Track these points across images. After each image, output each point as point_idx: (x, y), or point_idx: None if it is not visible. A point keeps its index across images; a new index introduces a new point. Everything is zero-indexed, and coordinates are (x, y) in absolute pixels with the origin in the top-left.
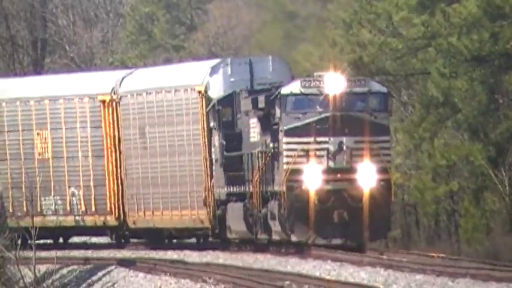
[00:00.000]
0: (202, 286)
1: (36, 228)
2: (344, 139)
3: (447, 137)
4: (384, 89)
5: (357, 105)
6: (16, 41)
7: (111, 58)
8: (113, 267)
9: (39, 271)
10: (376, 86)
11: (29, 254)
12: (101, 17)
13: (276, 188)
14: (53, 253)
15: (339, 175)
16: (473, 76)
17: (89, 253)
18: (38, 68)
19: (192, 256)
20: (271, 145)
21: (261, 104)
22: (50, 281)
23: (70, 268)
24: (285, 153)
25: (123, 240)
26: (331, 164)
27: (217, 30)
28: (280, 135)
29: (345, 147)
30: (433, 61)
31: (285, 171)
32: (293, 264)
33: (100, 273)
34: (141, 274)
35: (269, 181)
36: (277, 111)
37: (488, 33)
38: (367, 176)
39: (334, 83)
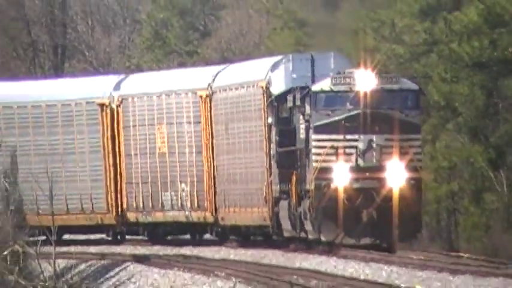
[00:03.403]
0: (214, 280)
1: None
2: (374, 137)
3: (448, 140)
4: (415, 86)
5: (388, 103)
6: (37, 46)
7: (128, 62)
8: (128, 262)
9: (59, 266)
10: (407, 83)
11: (50, 249)
12: (118, 24)
13: (307, 187)
14: (72, 248)
15: (368, 173)
16: (473, 81)
17: (105, 249)
18: (58, 72)
19: (205, 252)
20: (304, 142)
21: (298, 102)
22: (69, 275)
23: (88, 263)
24: (313, 150)
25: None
26: (360, 162)
27: (229, 36)
28: (310, 132)
29: (374, 145)
30: (435, 66)
31: (314, 169)
32: (300, 260)
33: (117, 269)
34: (155, 269)
35: (303, 179)
36: (308, 108)
37: (487, 40)
38: (396, 175)
39: (365, 80)
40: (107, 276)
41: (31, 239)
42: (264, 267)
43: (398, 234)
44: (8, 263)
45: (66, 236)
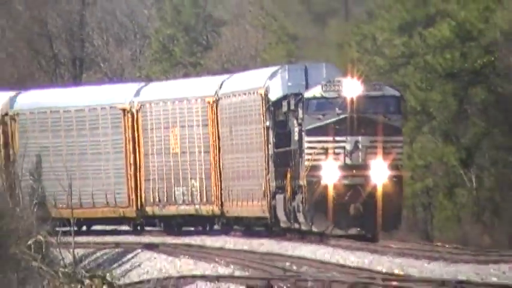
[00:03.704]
0: (215, 266)
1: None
2: (360, 138)
3: (424, 141)
4: (397, 93)
5: (372, 108)
6: (58, 58)
7: (138, 73)
8: (139, 250)
9: (77, 254)
10: (390, 90)
11: (70, 239)
12: (130, 38)
13: (301, 183)
14: (90, 238)
15: (354, 171)
16: (446, 89)
17: (119, 239)
18: (76, 82)
19: (207, 241)
20: (297, 144)
21: (292, 107)
22: (87, 262)
23: (104, 251)
24: (306, 150)
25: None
26: (347, 161)
27: (229, 49)
28: (303, 134)
29: (360, 146)
30: (412, 76)
31: (306, 167)
32: (293, 249)
33: (129, 255)
34: (162, 256)
35: (297, 176)
36: (301, 112)
37: (458, 53)
38: (380, 173)
39: (352, 88)
40: (120, 262)
41: (59, 229)
42: (260, 255)
43: (381, 226)
44: (32, 251)
45: (93, 227)
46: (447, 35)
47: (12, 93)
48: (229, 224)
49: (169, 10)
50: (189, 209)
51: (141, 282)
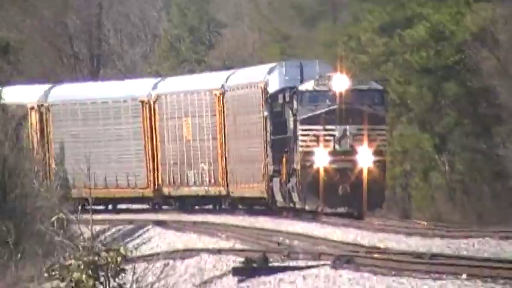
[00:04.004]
0: (217, 240)
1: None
2: (348, 127)
3: (402, 129)
4: (380, 87)
5: (359, 100)
6: (78, 56)
7: (149, 69)
8: (150, 226)
9: (95, 230)
10: (374, 85)
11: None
12: (141, 38)
13: (295, 166)
14: (105, 216)
15: (343, 156)
16: (421, 83)
17: (132, 216)
18: (94, 77)
19: (211, 218)
20: (292, 132)
21: (287, 99)
22: (103, 237)
23: (118, 227)
24: (300, 138)
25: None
26: (337, 147)
27: (229, 48)
28: (297, 123)
29: (348, 134)
30: (392, 72)
31: (300, 153)
32: (286, 225)
33: (141, 231)
34: (171, 231)
35: (291, 161)
36: (295, 104)
37: (433, 51)
38: (365, 158)
39: (341, 82)
40: (133, 237)
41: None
42: (258, 231)
43: (366, 205)
44: (55, 227)
45: (120, 206)
46: (423, 36)
47: (46, 87)
48: (234, 204)
49: (177, 13)
50: (199, 190)
51: (151, 255)
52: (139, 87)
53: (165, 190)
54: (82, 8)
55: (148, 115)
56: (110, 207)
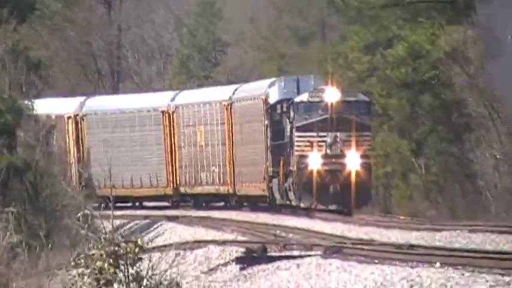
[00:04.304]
0: (222, 233)
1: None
2: (338, 134)
3: (384, 136)
4: (367, 99)
5: (348, 110)
6: (100, 72)
7: (162, 83)
8: (163, 221)
9: (115, 224)
10: (361, 96)
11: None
12: (156, 57)
13: (291, 168)
14: (125, 212)
15: (334, 159)
16: (401, 96)
17: (147, 212)
18: (114, 91)
19: (216, 214)
20: (289, 138)
21: (285, 109)
22: (122, 230)
23: (135, 222)
24: (295, 143)
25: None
26: (328, 151)
27: (232, 65)
28: (293, 130)
29: (338, 140)
30: (375, 86)
31: (295, 156)
32: (282, 220)
33: (155, 225)
34: (181, 225)
35: (288, 163)
36: (292, 113)
37: (411, 68)
38: (354, 161)
39: (332, 94)
40: (148, 230)
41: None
42: (257, 225)
43: (354, 202)
44: (80, 222)
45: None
46: (402, 54)
47: (82, 99)
48: (240, 201)
49: (187, 35)
50: (211, 189)
51: (164, 246)
52: (160, 99)
53: (182, 189)
54: (104, 30)
55: (167, 123)
56: (128, 204)
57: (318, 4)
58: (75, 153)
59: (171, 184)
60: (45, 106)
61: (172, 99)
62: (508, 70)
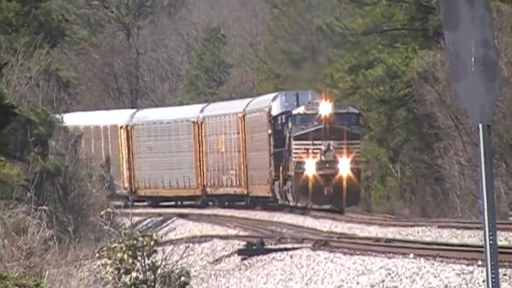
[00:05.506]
0: (226, 229)
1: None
2: (331, 142)
3: (365, 144)
4: (357, 111)
5: (339, 121)
6: (121, 90)
7: (174, 100)
8: (175, 218)
9: (134, 220)
10: (352, 109)
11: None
12: (168, 76)
13: (290, 173)
14: (141, 210)
15: (327, 165)
16: (380, 110)
17: (160, 210)
18: (133, 106)
19: (220, 212)
20: (288, 146)
21: (284, 120)
22: (140, 226)
23: (151, 219)
24: (293, 150)
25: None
26: (322, 158)
27: (235, 83)
28: (291, 139)
29: (331, 148)
30: (357, 102)
31: (293, 162)
32: (277, 217)
33: (168, 221)
34: (191, 222)
35: (287, 168)
36: (290, 124)
37: (388, 86)
38: (345, 166)
39: (325, 107)
40: (162, 226)
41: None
42: (257, 221)
43: (345, 202)
44: (104, 219)
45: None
46: (381, 74)
47: (133, 111)
48: (253, 201)
49: (195, 57)
50: (230, 190)
51: (176, 239)
52: (192, 111)
53: (209, 190)
54: (124, 54)
55: (197, 132)
56: (172, 203)
57: (308, 31)
58: (126, 157)
59: (200, 186)
60: (100, 118)
61: (201, 111)
62: (470, 88)
